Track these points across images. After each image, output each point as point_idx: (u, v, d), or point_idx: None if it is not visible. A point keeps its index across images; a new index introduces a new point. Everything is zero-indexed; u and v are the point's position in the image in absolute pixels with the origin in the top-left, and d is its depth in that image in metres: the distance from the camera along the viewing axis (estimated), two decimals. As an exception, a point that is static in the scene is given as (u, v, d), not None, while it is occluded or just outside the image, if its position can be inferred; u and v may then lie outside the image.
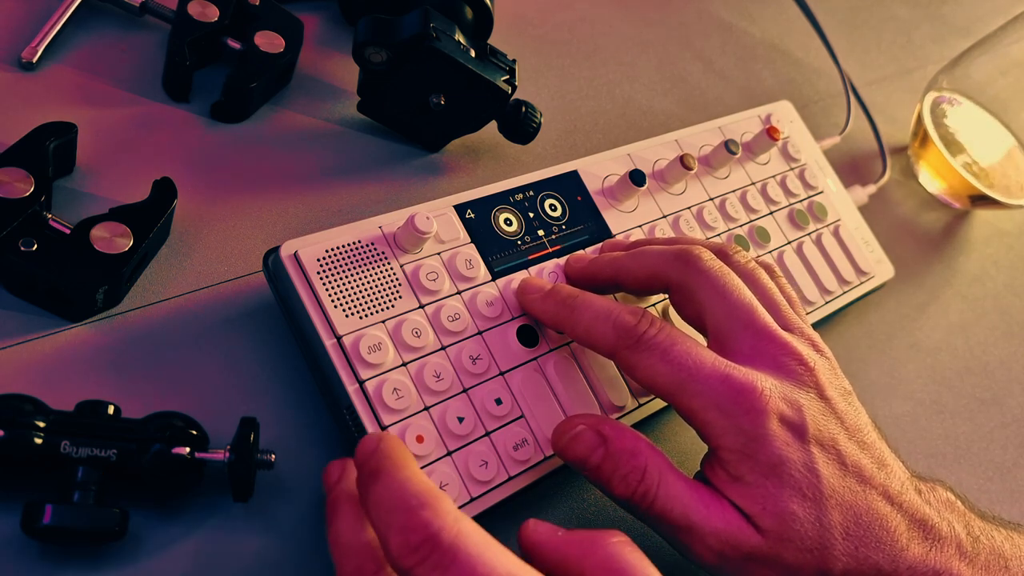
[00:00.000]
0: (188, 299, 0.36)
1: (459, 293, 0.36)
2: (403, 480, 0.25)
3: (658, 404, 0.39)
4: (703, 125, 0.48)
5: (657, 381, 0.32)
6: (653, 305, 0.41)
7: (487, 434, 0.34)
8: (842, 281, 0.49)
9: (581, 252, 0.40)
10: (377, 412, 0.32)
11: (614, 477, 0.32)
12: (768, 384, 0.31)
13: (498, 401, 0.35)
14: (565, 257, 0.39)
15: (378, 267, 0.35)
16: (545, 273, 0.38)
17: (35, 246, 0.33)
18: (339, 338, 0.33)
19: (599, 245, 0.41)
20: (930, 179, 0.61)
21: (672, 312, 0.39)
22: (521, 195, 0.40)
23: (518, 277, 0.38)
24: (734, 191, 0.47)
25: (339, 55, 0.48)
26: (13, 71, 0.40)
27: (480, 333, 0.36)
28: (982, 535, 0.34)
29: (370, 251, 0.35)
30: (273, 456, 0.31)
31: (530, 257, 0.39)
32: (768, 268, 0.38)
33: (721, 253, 0.36)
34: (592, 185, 0.42)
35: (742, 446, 0.31)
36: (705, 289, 0.34)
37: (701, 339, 0.34)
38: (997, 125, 0.58)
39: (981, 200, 0.60)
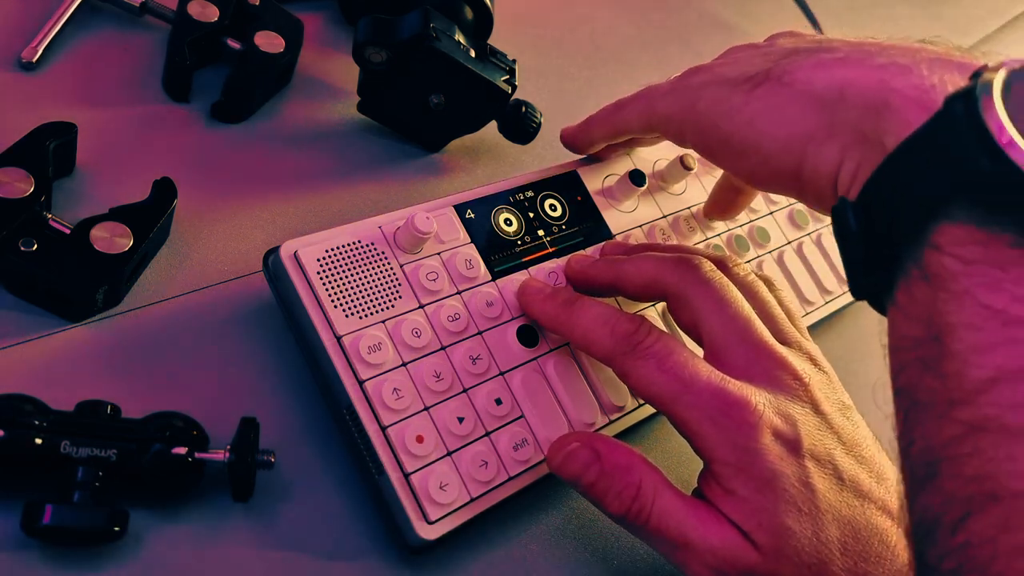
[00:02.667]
0: (188, 299, 0.36)
1: (459, 293, 0.36)
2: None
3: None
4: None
5: (652, 390, 0.32)
6: (652, 305, 0.41)
7: (487, 434, 0.34)
8: (842, 281, 0.49)
9: (582, 253, 0.40)
10: (377, 412, 0.32)
11: (608, 494, 0.31)
12: (762, 398, 0.31)
13: (498, 401, 0.35)
14: (566, 257, 0.39)
15: (378, 267, 0.35)
16: (545, 273, 0.38)
17: (35, 246, 0.33)
18: (339, 338, 0.33)
19: (600, 245, 0.41)
20: (930, 179, 0.61)
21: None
22: (521, 195, 0.40)
23: (518, 277, 0.38)
24: (734, 191, 0.47)
25: (339, 55, 0.48)
26: (13, 71, 0.40)
27: (480, 333, 0.36)
28: None
29: (370, 251, 0.35)
30: (273, 456, 0.31)
31: (530, 257, 0.39)
32: (767, 281, 0.38)
33: (721, 264, 0.36)
34: (592, 185, 0.42)
35: (736, 460, 0.30)
36: (703, 299, 0.34)
37: (698, 349, 0.34)
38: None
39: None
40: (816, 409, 0.32)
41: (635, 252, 0.38)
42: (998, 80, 0.23)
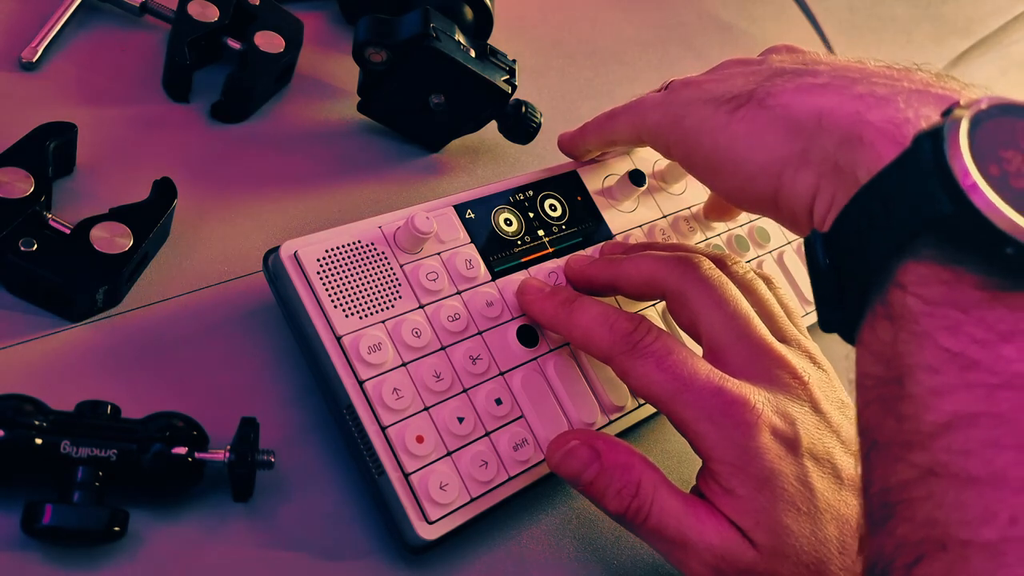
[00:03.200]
0: (188, 299, 0.36)
1: (459, 293, 0.36)
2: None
3: (658, 404, 0.39)
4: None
5: (651, 389, 0.32)
6: (652, 305, 0.41)
7: (487, 434, 0.34)
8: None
9: (581, 253, 0.40)
10: (377, 412, 0.32)
11: (608, 492, 0.31)
12: (761, 397, 0.31)
13: (498, 401, 0.35)
14: (565, 258, 0.39)
15: (378, 267, 0.35)
16: (545, 273, 0.38)
17: (35, 246, 0.33)
18: (339, 338, 0.33)
19: (599, 246, 0.41)
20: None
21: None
22: (521, 195, 0.40)
23: (518, 277, 0.38)
24: (734, 191, 0.47)
25: (339, 55, 0.48)
26: (13, 71, 0.40)
27: (480, 333, 0.36)
28: None
29: (370, 251, 0.35)
30: (273, 456, 0.31)
31: (530, 257, 0.39)
32: (766, 279, 0.38)
33: (719, 262, 0.36)
34: (592, 185, 0.42)
35: (734, 459, 0.31)
36: (701, 298, 0.34)
37: (697, 348, 0.34)
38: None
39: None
40: (815, 408, 0.32)
41: (634, 251, 0.38)
42: (966, 119, 0.22)
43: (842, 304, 0.26)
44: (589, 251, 0.40)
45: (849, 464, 0.32)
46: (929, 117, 0.25)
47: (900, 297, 0.23)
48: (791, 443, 0.31)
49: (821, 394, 0.33)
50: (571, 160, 0.43)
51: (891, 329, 0.23)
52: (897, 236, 0.23)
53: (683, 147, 0.33)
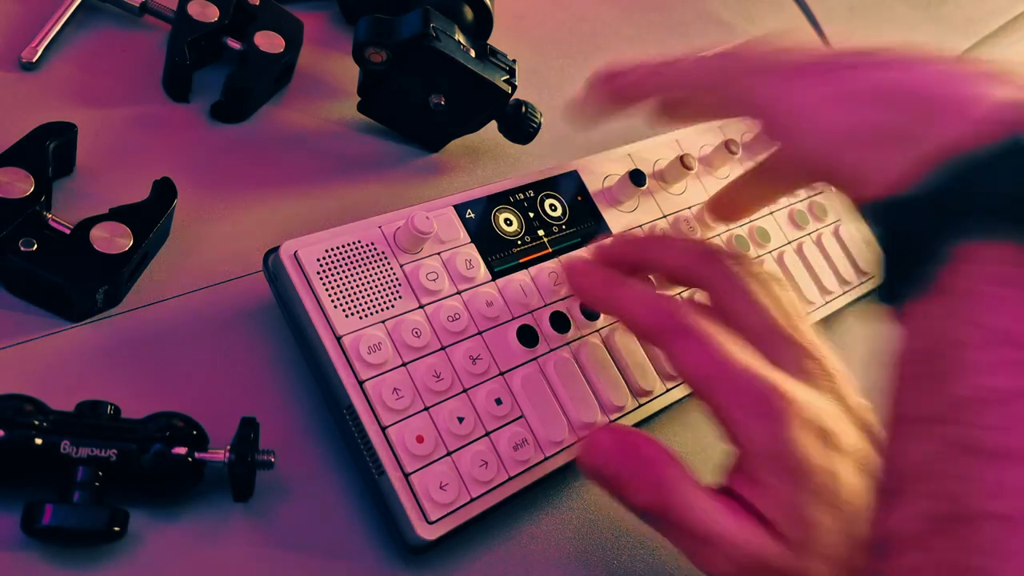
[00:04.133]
0: (188, 299, 0.36)
1: (459, 293, 0.36)
2: None
3: (657, 404, 0.39)
4: (703, 125, 0.48)
5: (689, 370, 0.32)
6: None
7: (487, 434, 0.34)
8: (842, 281, 0.49)
9: (579, 255, 0.40)
10: (377, 412, 0.32)
11: (630, 486, 0.31)
12: (794, 389, 0.31)
13: (498, 401, 0.35)
14: (561, 264, 0.39)
15: (378, 267, 0.35)
16: (546, 273, 0.38)
17: (35, 246, 0.33)
18: (339, 338, 0.33)
19: (607, 240, 0.40)
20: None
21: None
22: (521, 195, 0.40)
23: (518, 277, 0.38)
24: (734, 191, 0.47)
25: (339, 55, 0.48)
26: (13, 71, 0.40)
27: (480, 333, 0.36)
28: None
29: (370, 251, 0.35)
30: (273, 456, 0.31)
31: (530, 257, 0.39)
32: (776, 279, 0.38)
33: (737, 259, 0.37)
34: (592, 185, 0.42)
35: (767, 449, 0.30)
36: (734, 292, 0.34)
37: None
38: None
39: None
40: (843, 402, 0.33)
41: (644, 243, 0.38)
42: None
43: (895, 276, 0.26)
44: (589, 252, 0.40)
45: (875, 460, 0.32)
46: (1008, 95, 0.26)
47: (954, 274, 0.23)
48: (823, 436, 0.31)
49: (849, 388, 0.33)
50: (571, 159, 0.43)
51: (940, 304, 0.24)
52: (971, 214, 0.23)
53: (767, 108, 0.33)
